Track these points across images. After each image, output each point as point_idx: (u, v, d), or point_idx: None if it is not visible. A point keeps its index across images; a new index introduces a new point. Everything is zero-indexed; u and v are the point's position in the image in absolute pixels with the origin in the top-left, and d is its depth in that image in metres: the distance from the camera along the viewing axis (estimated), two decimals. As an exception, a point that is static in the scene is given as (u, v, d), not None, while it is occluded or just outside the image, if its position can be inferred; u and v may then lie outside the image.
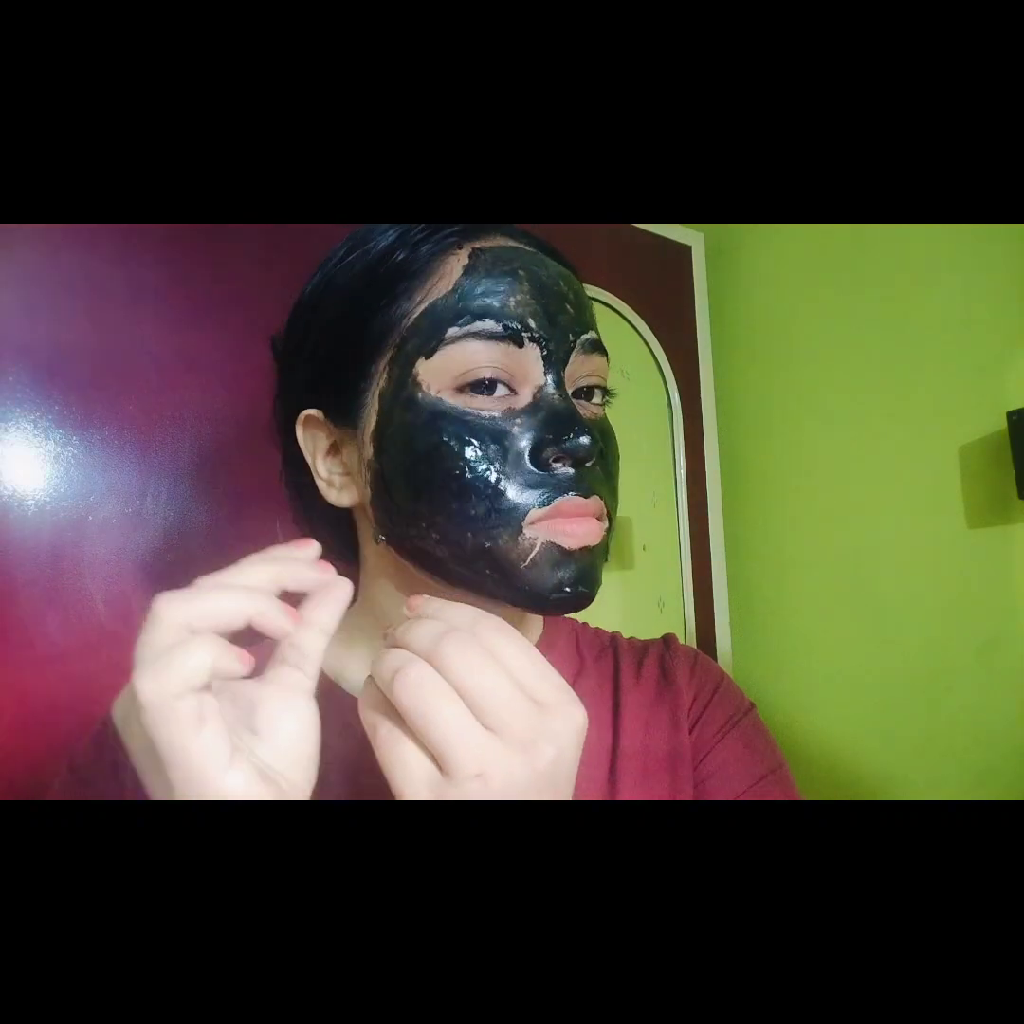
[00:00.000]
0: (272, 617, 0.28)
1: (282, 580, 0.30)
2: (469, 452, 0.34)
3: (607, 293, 1.11)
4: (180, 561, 0.67)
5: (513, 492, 0.34)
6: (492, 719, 0.27)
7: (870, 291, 1.05)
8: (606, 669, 0.47)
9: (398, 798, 0.27)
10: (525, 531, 0.34)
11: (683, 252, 1.25)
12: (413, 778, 0.27)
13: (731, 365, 1.26)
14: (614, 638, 0.50)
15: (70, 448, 0.64)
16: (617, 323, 1.14)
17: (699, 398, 1.23)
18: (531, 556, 0.34)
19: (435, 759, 0.27)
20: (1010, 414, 0.86)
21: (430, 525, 0.35)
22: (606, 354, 0.40)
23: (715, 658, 1.04)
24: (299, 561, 0.31)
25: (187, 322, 0.71)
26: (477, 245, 0.37)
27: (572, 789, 0.29)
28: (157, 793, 0.27)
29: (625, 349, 1.15)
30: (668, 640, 0.49)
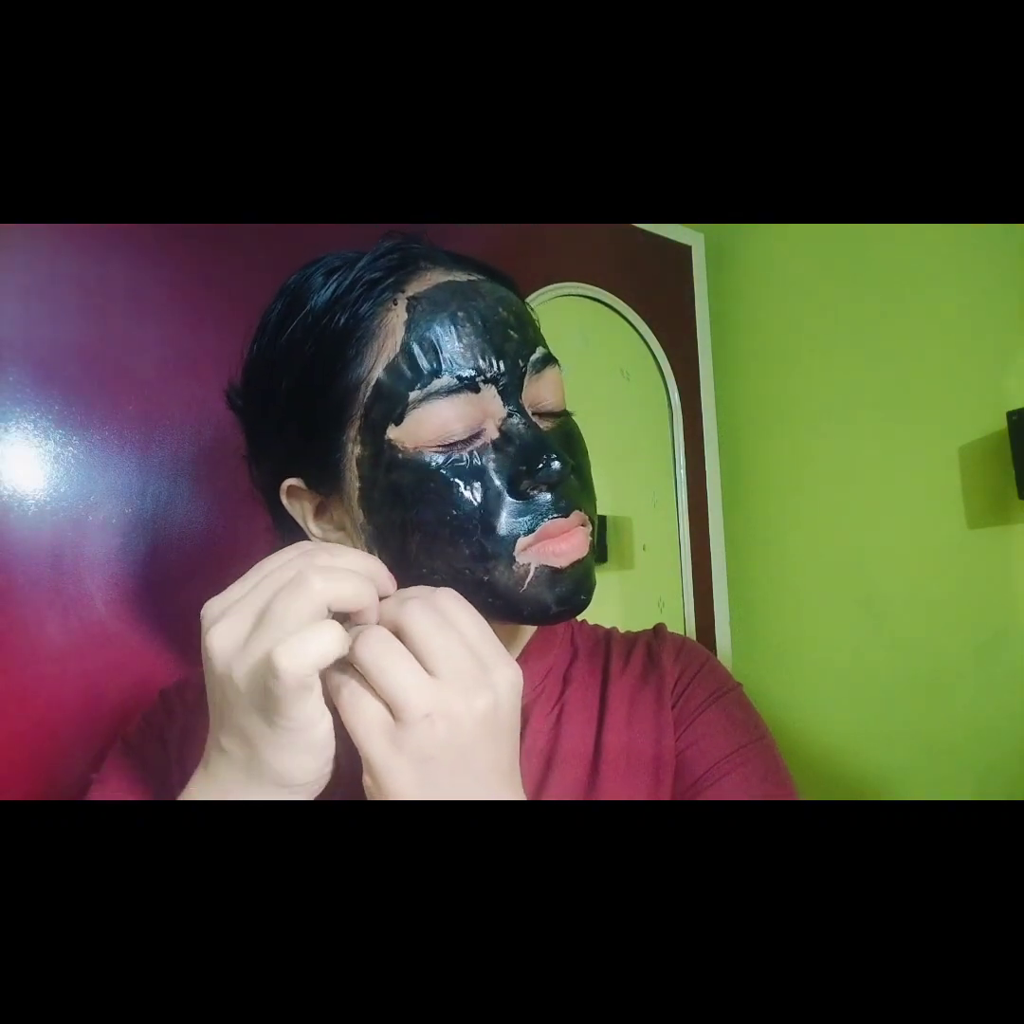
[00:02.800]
0: (372, 613, 0.32)
1: (379, 581, 0.34)
2: (454, 496, 0.36)
3: (607, 293, 1.11)
4: (180, 561, 0.67)
5: (499, 525, 0.36)
6: (440, 669, 0.30)
7: (870, 291, 1.05)
8: (598, 660, 0.48)
9: (359, 747, 0.30)
10: (517, 558, 0.37)
11: (683, 252, 1.25)
12: (370, 726, 0.30)
13: (731, 365, 1.26)
14: (609, 633, 0.52)
15: (70, 448, 0.64)
16: (617, 323, 1.14)
17: (699, 398, 1.23)
18: (527, 580, 0.37)
19: (389, 708, 0.30)
20: (1010, 414, 0.86)
21: (430, 570, 0.37)
22: (556, 362, 0.41)
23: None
24: (387, 574, 0.35)
25: (187, 322, 0.71)
26: (411, 293, 0.37)
27: (515, 747, 0.32)
28: (245, 731, 0.30)
29: (625, 349, 1.15)
30: (657, 629, 0.51)
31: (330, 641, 0.29)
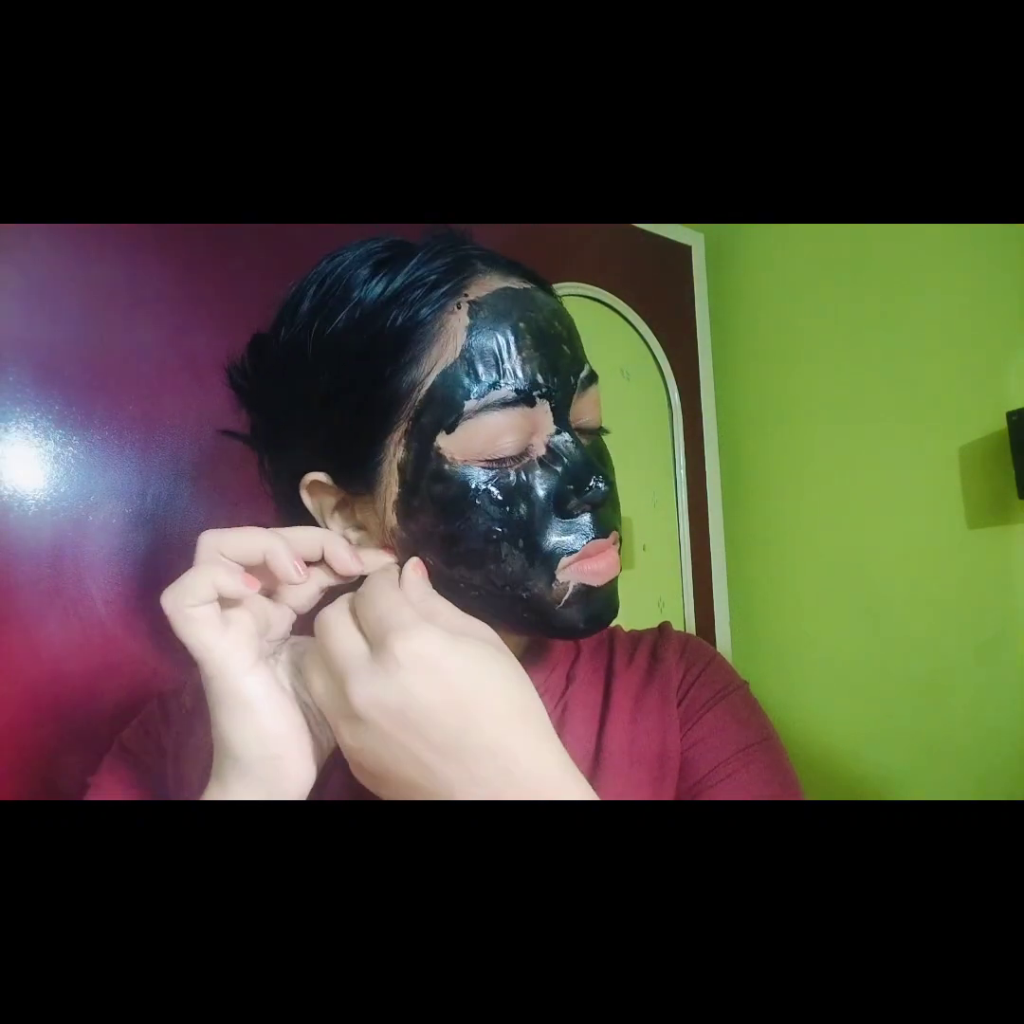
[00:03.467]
0: (280, 560, 0.34)
1: (325, 545, 0.36)
2: (501, 514, 0.35)
3: (607, 293, 1.11)
4: (180, 561, 0.67)
5: (544, 544, 0.36)
6: (322, 704, 0.33)
7: (870, 291, 1.05)
8: (601, 657, 0.48)
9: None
10: (558, 577, 0.36)
11: (683, 252, 1.25)
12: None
13: (731, 365, 1.26)
14: (612, 631, 0.52)
15: (70, 448, 0.64)
16: (617, 323, 1.14)
17: (699, 398, 1.23)
18: (565, 598, 0.37)
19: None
20: (1010, 414, 0.86)
21: (468, 585, 0.37)
22: (597, 379, 0.41)
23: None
24: (344, 542, 0.37)
25: (187, 322, 0.71)
26: (471, 297, 0.36)
27: (507, 726, 0.30)
28: (206, 691, 0.33)
29: (625, 349, 1.15)
30: (662, 627, 0.51)
31: (206, 576, 0.32)
